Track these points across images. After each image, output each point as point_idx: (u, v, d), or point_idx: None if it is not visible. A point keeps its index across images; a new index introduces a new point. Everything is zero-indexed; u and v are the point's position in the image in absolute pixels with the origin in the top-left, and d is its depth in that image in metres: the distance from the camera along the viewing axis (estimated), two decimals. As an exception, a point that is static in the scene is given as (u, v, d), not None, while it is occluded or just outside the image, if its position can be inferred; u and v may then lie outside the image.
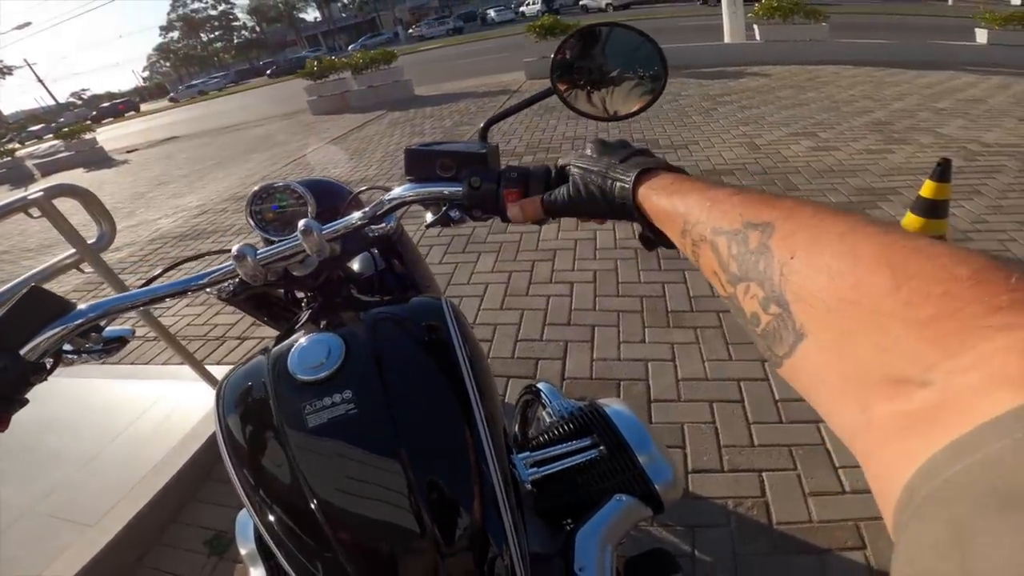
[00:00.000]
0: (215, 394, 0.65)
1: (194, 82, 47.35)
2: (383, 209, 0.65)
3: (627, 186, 0.47)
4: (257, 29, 65.60)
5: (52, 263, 1.85)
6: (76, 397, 2.33)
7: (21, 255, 5.77)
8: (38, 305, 0.61)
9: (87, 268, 1.92)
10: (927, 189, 2.50)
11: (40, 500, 1.83)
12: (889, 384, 0.20)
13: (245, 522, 0.74)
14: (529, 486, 0.74)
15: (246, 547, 0.72)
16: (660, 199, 0.43)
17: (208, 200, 5.81)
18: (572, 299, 2.52)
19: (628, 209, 0.47)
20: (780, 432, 1.68)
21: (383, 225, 0.80)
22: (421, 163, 0.64)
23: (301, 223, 0.63)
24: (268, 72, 39.37)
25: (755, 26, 8.66)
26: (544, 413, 1.04)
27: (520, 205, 0.57)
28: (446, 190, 0.62)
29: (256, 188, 0.79)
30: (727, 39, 9.13)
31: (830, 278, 0.24)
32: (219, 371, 2.21)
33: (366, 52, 10.50)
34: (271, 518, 0.55)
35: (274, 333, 0.77)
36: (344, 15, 67.19)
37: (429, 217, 0.70)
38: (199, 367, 2.13)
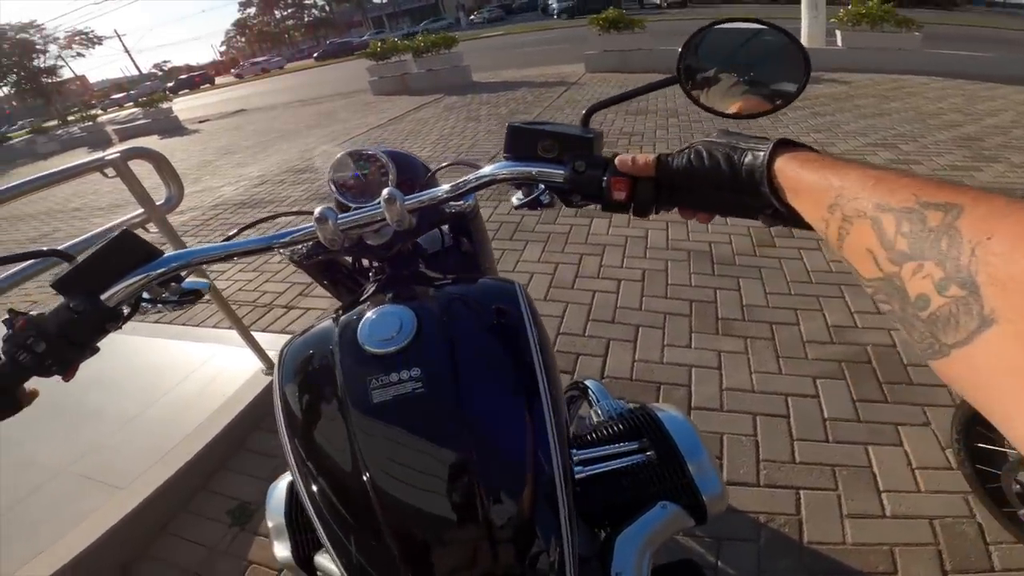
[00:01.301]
0: (277, 357, 0.64)
1: (257, 59, 49.33)
2: (472, 185, 0.63)
3: (762, 153, 0.46)
4: (327, 9, 67.36)
5: (120, 220, 1.92)
6: (123, 354, 2.37)
7: (92, 212, 6.16)
8: (127, 250, 0.61)
9: (152, 229, 1.99)
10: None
11: (76, 460, 1.86)
12: None
13: (278, 493, 0.74)
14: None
15: (275, 519, 0.71)
16: (805, 171, 0.41)
17: (268, 171, 6.03)
18: (618, 296, 2.46)
19: (756, 179, 0.45)
20: (825, 451, 1.62)
21: (461, 202, 0.79)
22: (523, 141, 0.61)
23: (385, 191, 0.62)
24: (315, 55, 40.84)
25: (837, 32, 8.18)
26: (592, 412, 1.02)
27: (633, 157, 0.55)
28: (548, 171, 0.60)
29: (340, 154, 0.78)
30: (804, 43, 8.68)
31: None
32: (264, 338, 2.24)
33: (427, 36, 10.61)
34: (315, 487, 0.55)
35: (321, 303, 0.76)
36: (408, -3, 68.20)
37: (516, 199, 0.69)
38: (246, 333, 2.15)
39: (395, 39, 11.77)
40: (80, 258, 0.59)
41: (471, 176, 0.63)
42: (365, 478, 0.52)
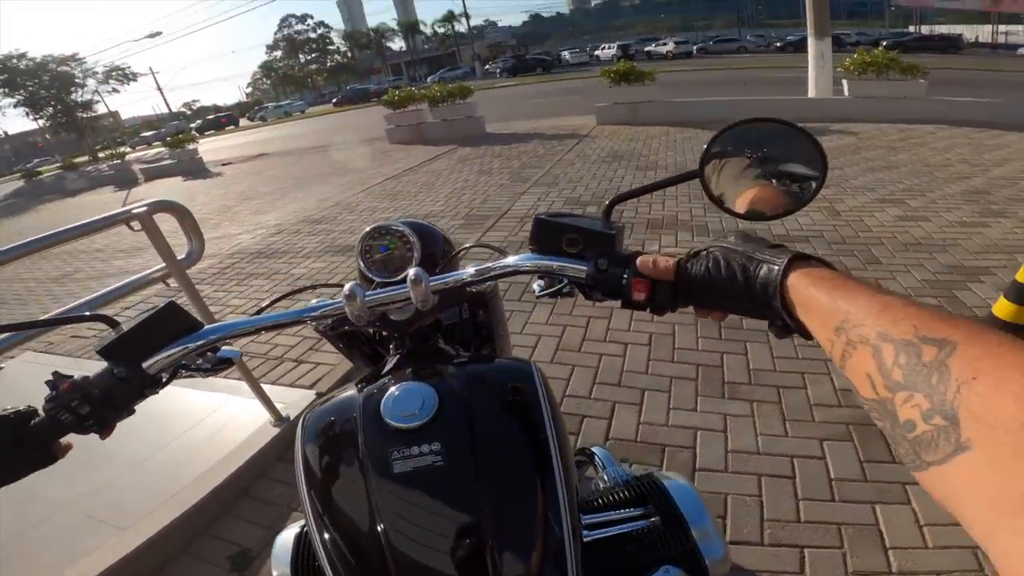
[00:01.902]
0: (300, 420, 0.67)
1: (280, 103, 51.26)
2: (495, 273, 0.66)
3: (776, 267, 0.47)
4: (349, 55, 70.25)
5: (142, 276, 1.98)
6: (137, 400, 2.46)
7: (113, 254, 6.32)
8: (171, 321, 0.64)
9: (172, 283, 2.04)
10: None
11: (82, 499, 1.89)
12: None
13: (285, 544, 0.75)
14: None
15: (280, 569, 0.73)
16: (816, 291, 0.43)
17: (285, 220, 6.16)
18: (625, 360, 2.47)
19: (770, 294, 0.47)
20: (830, 510, 1.62)
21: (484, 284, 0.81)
22: (548, 234, 0.63)
23: (411, 272, 0.65)
24: (333, 101, 42.14)
25: (844, 81, 8.29)
26: (598, 478, 1.04)
27: (654, 259, 0.56)
28: (571, 267, 0.62)
29: (368, 228, 0.81)
30: (812, 93, 8.82)
31: (1017, 404, 0.25)
32: (274, 391, 2.28)
33: (443, 85, 10.88)
34: (328, 536, 0.57)
35: (330, 358, 0.79)
36: (427, 47, 71.08)
37: (537, 287, 0.71)
38: (256, 386, 2.19)
39: (411, 88, 12.06)
40: (125, 327, 0.62)
41: (496, 264, 0.66)
42: (379, 529, 0.54)
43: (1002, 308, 2.35)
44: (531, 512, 0.58)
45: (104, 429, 0.61)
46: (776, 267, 0.47)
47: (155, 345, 0.63)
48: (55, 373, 0.60)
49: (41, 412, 0.59)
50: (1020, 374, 0.26)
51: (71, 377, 0.60)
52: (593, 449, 1.12)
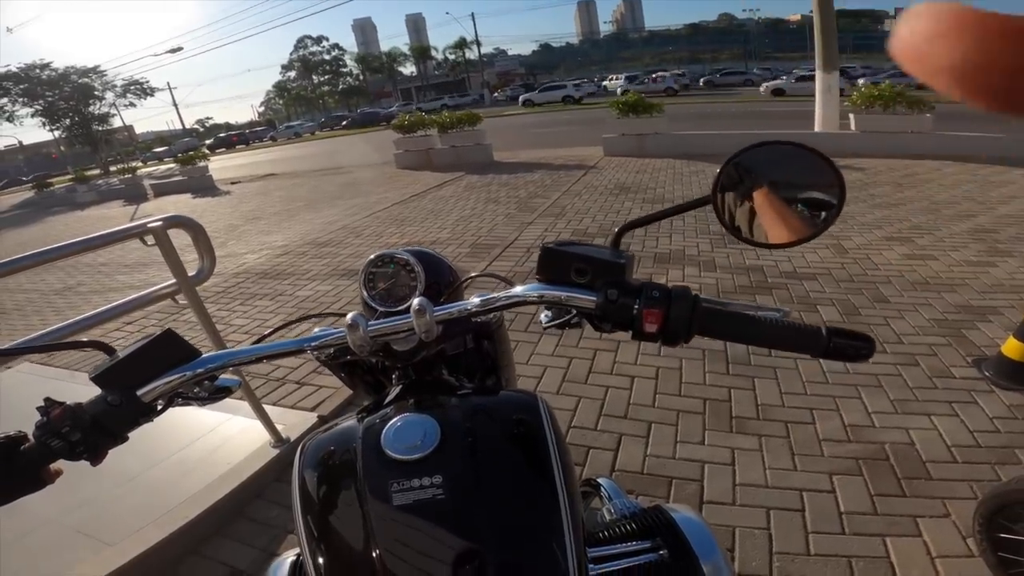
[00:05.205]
0: (299, 448, 0.66)
1: (291, 123, 52.31)
2: (501, 303, 0.64)
3: None
4: (360, 78, 71.70)
5: (152, 291, 1.97)
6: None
7: (118, 269, 6.35)
8: (167, 348, 0.63)
9: (181, 300, 2.02)
10: (1031, 314, 2.26)
11: (69, 512, 1.86)
12: None
13: (281, 573, 0.73)
14: None
15: None
16: None
17: (291, 241, 6.20)
18: (631, 393, 2.45)
19: None
20: (841, 543, 1.62)
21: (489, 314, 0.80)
22: (555, 264, 0.61)
23: (415, 302, 0.63)
24: (343, 123, 43.20)
25: (851, 115, 8.25)
26: (604, 509, 1.02)
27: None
28: (580, 297, 0.59)
29: (372, 256, 0.80)
30: (818, 128, 8.84)
31: None
32: (273, 412, 2.26)
33: (452, 112, 10.96)
34: (323, 560, 0.56)
35: (333, 380, 0.77)
36: (437, 72, 72.69)
37: (544, 317, 0.69)
38: (258, 406, 2.16)
39: (422, 113, 12.16)
40: (121, 354, 0.61)
41: (502, 294, 0.64)
42: (375, 556, 0.53)
43: (1011, 348, 2.33)
44: (536, 546, 0.56)
45: (96, 456, 0.60)
46: None
47: (150, 373, 0.61)
48: (47, 399, 0.59)
49: (31, 437, 0.58)
50: None
51: (63, 404, 0.59)
52: (599, 480, 1.10)
